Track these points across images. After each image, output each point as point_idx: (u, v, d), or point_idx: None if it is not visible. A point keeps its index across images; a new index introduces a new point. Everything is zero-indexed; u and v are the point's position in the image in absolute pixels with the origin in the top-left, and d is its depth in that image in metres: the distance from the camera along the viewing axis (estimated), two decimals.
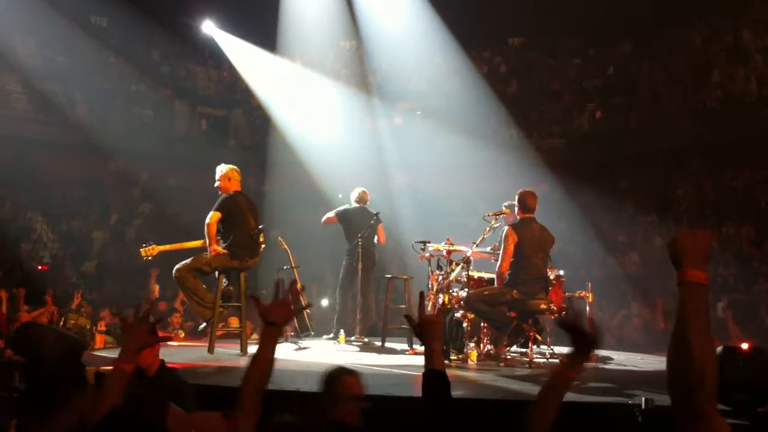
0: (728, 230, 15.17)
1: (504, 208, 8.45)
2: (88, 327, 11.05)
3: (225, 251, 7.87)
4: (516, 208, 7.91)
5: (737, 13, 17.55)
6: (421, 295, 3.14)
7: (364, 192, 10.08)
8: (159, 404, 2.41)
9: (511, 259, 7.58)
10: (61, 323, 11.03)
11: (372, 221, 9.48)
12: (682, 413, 1.82)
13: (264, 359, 2.76)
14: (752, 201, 15.55)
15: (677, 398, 1.85)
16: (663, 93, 18.23)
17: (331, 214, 10.08)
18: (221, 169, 8.31)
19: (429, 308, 8.35)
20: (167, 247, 8.69)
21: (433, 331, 2.99)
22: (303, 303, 7.47)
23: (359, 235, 9.39)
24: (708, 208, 16.32)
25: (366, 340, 9.55)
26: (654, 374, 7.09)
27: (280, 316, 2.85)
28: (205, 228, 7.81)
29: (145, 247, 8.60)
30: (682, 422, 1.81)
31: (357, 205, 9.98)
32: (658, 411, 4.45)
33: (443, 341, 7.59)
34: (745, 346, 4.40)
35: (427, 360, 2.99)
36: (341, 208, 10.06)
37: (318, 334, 9.81)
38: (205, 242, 7.99)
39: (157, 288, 12.99)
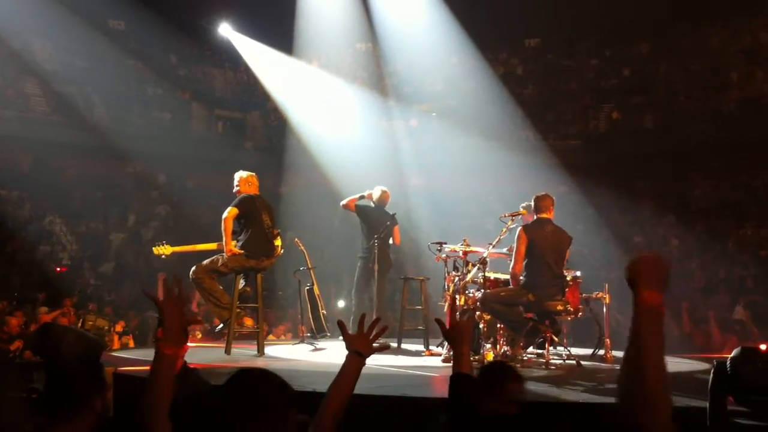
0: (746, 231, 15.09)
1: (521, 209, 8.43)
2: (106, 328, 11.11)
3: (241, 251, 7.91)
4: (531, 210, 7.95)
5: (755, 13, 17.45)
6: (453, 302, 3.22)
7: (385, 192, 9.96)
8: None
9: (525, 261, 7.57)
10: (80, 324, 11.09)
11: (388, 222, 9.46)
12: None
13: (346, 383, 2.84)
14: None
15: (629, 419, 1.80)
16: (681, 93, 18.16)
17: (354, 200, 9.89)
18: (241, 175, 8.39)
19: (446, 309, 8.35)
20: (181, 248, 8.75)
21: (462, 336, 3.04)
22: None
23: (375, 236, 9.38)
24: (726, 208, 16.24)
25: (382, 341, 9.56)
26: (670, 375, 7.06)
27: (365, 348, 2.92)
28: (222, 223, 7.88)
29: (158, 245, 8.67)
30: None
31: (377, 205, 9.90)
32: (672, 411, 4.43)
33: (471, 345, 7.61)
34: (763, 347, 4.37)
35: (455, 363, 3.05)
36: (363, 203, 9.95)
37: (334, 335, 9.81)
38: (220, 244, 8.05)
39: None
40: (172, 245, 8.73)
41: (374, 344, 3.02)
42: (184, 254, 9.05)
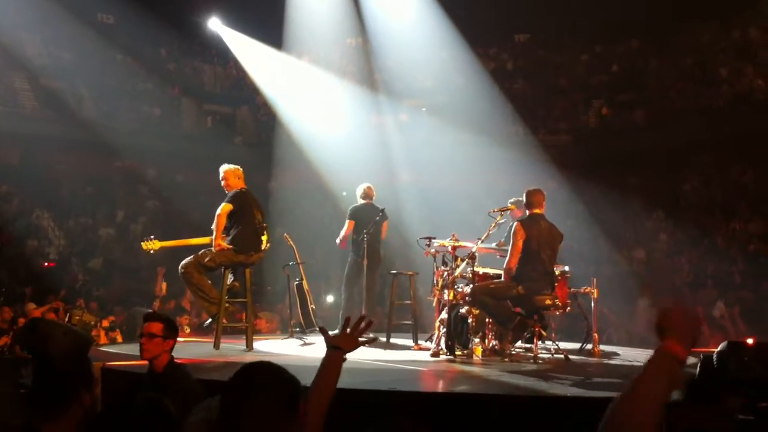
0: (735, 227, 15.14)
1: (509, 205, 8.45)
2: (92, 323, 11.13)
3: (230, 246, 7.90)
4: (522, 206, 7.93)
5: (745, 9, 17.50)
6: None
7: (369, 188, 10.03)
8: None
9: (520, 255, 7.57)
10: (66, 319, 11.09)
11: (378, 217, 9.47)
12: None
13: (328, 382, 2.82)
14: (760, 197, 15.50)
15: None
16: (670, 89, 18.20)
17: (345, 226, 9.77)
18: (227, 168, 8.33)
19: (434, 304, 8.37)
20: (169, 243, 8.72)
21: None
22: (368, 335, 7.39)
23: (365, 231, 9.39)
24: (715, 204, 16.29)
25: (371, 335, 9.57)
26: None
27: (348, 344, 2.92)
28: (215, 219, 7.87)
29: (147, 240, 8.65)
30: None
31: (363, 202, 9.95)
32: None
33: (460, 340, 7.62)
34: (750, 341, 4.40)
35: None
36: (350, 209, 9.95)
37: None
38: (210, 239, 8.03)
39: (165, 285, 13.04)
40: (161, 240, 8.71)
41: (360, 339, 3.02)
42: (177, 249, 9.01)
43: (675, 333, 1.91)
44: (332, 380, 2.83)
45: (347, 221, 9.79)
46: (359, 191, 10.01)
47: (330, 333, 3.15)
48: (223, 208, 7.90)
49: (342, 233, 9.81)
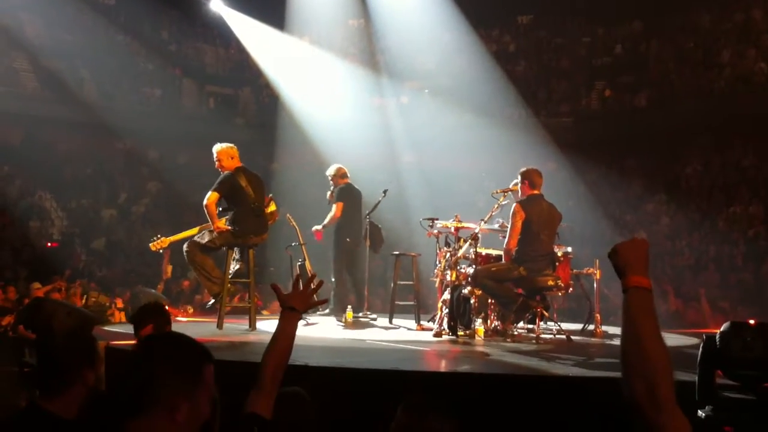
0: (736, 209, 15.14)
1: (513, 185, 8.43)
2: (107, 304, 11.30)
3: (229, 228, 7.88)
4: (520, 187, 7.85)
5: None
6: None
7: (339, 168, 9.83)
8: None
9: (519, 236, 7.56)
10: (83, 300, 11.24)
11: (380, 198, 9.46)
12: (638, 423, 1.81)
13: (284, 342, 2.77)
14: (761, 180, 15.50)
15: (632, 406, 1.84)
16: (672, 72, 18.16)
17: (334, 209, 9.49)
18: (220, 148, 8.19)
19: (437, 285, 8.38)
20: (176, 237, 8.69)
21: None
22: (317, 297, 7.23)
23: (367, 213, 9.39)
24: (716, 187, 16.29)
25: (374, 316, 9.58)
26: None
27: (301, 303, 2.87)
28: (205, 209, 7.82)
29: (154, 241, 8.63)
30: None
31: (345, 182, 9.73)
32: None
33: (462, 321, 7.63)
34: (752, 321, 4.41)
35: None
36: (338, 191, 9.65)
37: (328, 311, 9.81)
38: (207, 226, 8.03)
39: (170, 268, 13.08)
40: (164, 232, 8.72)
41: (312, 300, 2.96)
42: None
43: (634, 267, 2.00)
44: (289, 342, 2.78)
45: (336, 204, 9.51)
46: (337, 172, 9.75)
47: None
48: (209, 197, 7.78)
49: (330, 217, 9.53)
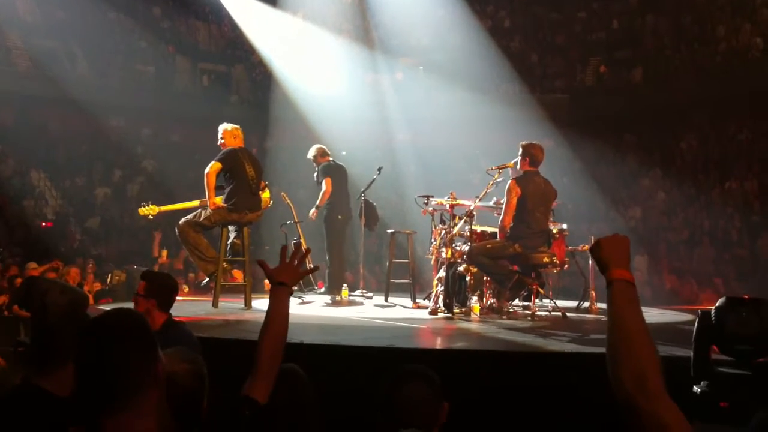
0: (731, 185, 15.15)
1: (512, 162, 8.37)
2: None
3: (224, 205, 7.88)
4: (519, 161, 7.79)
5: None
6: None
7: (319, 147, 9.68)
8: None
9: (514, 213, 7.54)
10: (108, 280, 11.37)
11: (375, 175, 9.43)
12: (629, 413, 1.81)
13: (278, 323, 2.66)
14: (756, 155, 15.49)
15: (621, 398, 1.84)
16: (668, 47, 18.10)
17: (324, 186, 9.25)
18: (226, 127, 8.27)
19: (432, 262, 8.38)
20: (167, 207, 8.69)
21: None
22: (309, 265, 7.23)
23: (362, 191, 9.39)
24: (711, 162, 16.28)
25: (370, 294, 9.60)
26: (655, 326, 7.12)
27: (289, 277, 2.80)
28: (204, 178, 7.81)
29: (144, 206, 8.61)
30: (629, 421, 1.81)
31: (328, 160, 9.58)
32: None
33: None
34: (747, 297, 4.41)
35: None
36: (324, 168, 9.40)
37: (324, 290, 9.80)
38: (204, 201, 8.00)
39: (165, 253, 13.09)
40: (157, 204, 8.68)
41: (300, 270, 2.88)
42: (174, 212, 8.95)
43: (616, 260, 2.05)
44: (283, 323, 2.67)
45: (325, 179, 9.30)
46: (317, 152, 9.59)
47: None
48: (212, 166, 7.81)
49: (321, 195, 9.30)
